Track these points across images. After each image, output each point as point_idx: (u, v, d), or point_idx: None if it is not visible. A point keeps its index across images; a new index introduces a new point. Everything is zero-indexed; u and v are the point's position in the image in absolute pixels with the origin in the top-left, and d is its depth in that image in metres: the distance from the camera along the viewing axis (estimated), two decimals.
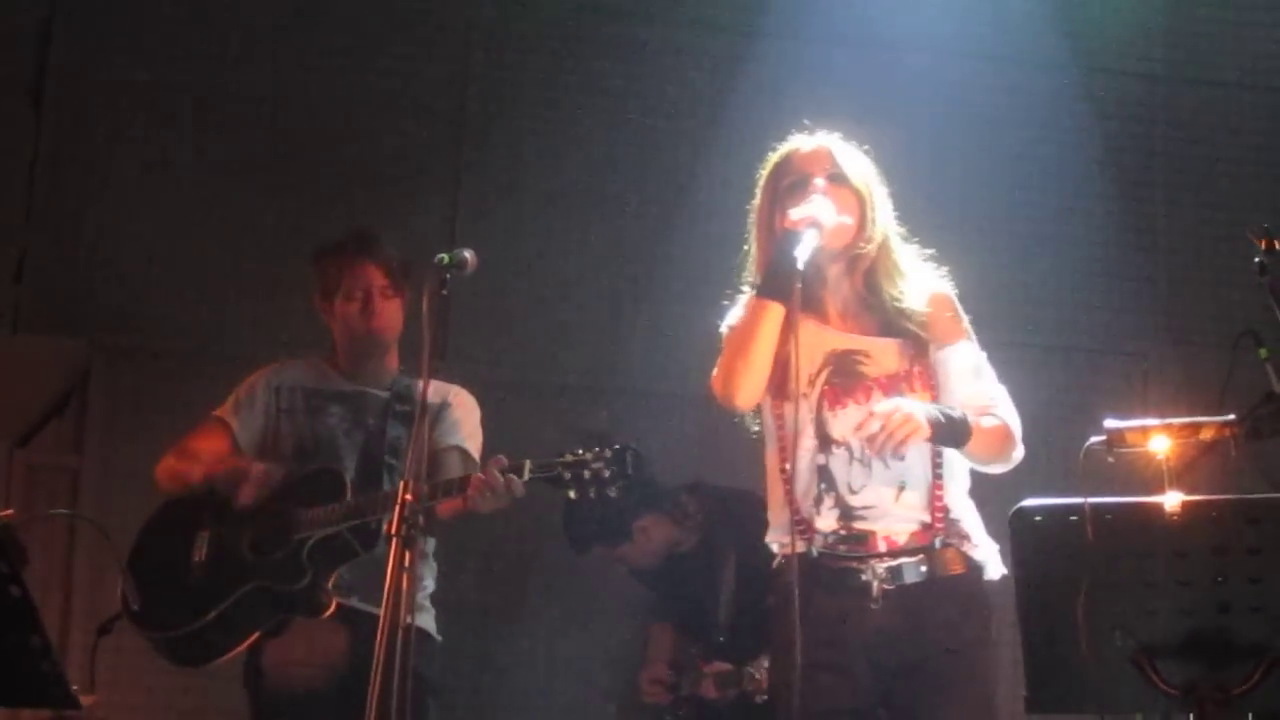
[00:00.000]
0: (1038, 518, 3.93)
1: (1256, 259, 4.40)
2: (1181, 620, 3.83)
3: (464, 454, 5.67)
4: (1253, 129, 8.63)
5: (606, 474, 5.03)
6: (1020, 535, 3.93)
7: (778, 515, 4.76)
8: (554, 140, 8.05)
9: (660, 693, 6.81)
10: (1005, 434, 4.71)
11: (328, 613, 5.42)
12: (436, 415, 5.58)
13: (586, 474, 5.04)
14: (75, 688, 4.89)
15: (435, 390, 5.09)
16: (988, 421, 4.66)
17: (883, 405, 4.52)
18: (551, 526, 6.75)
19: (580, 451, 5.07)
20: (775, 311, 4.59)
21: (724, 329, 4.84)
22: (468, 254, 4.85)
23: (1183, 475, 4.00)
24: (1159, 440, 4.06)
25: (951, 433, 4.57)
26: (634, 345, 7.90)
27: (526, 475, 5.13)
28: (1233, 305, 7.80)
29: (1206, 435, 4.09)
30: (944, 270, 4.90)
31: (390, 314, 5.71)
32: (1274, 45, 8.68)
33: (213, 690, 6.44)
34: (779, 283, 4.59)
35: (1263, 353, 4.34)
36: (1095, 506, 3.82)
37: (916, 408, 4.50)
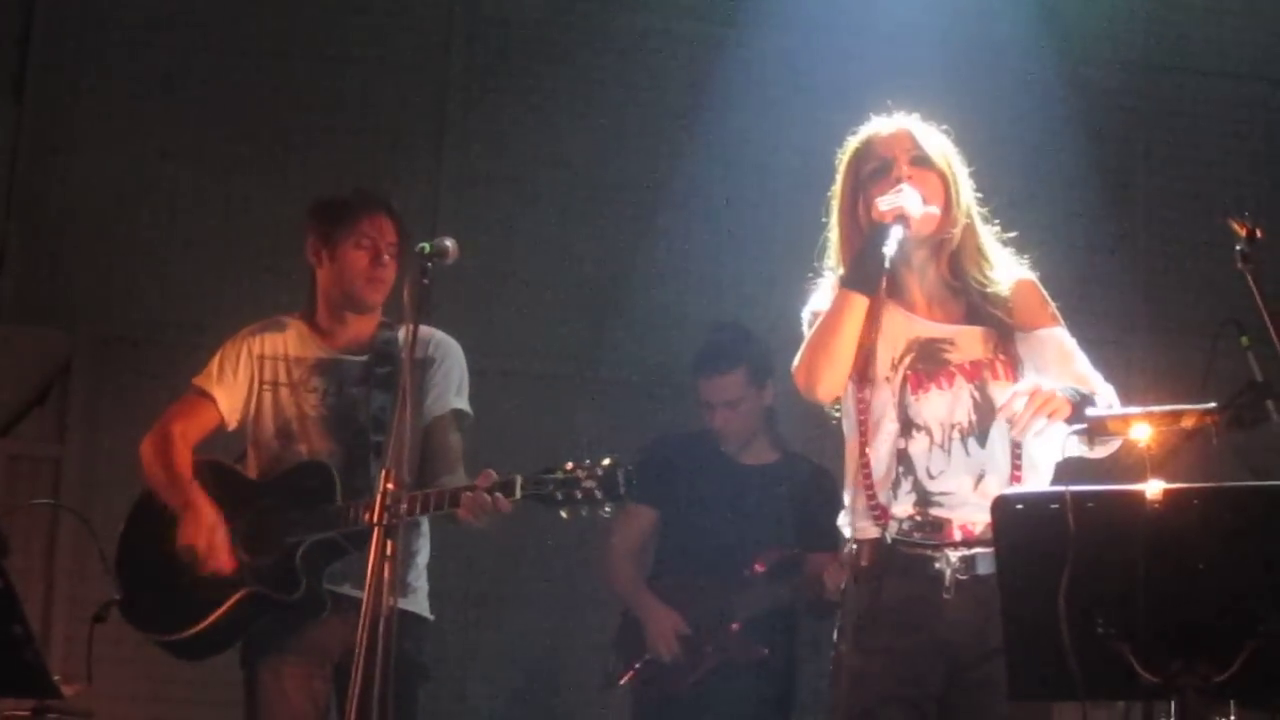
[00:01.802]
0: (1019, 506, 3.94)
1: (1238, 247, 4.40)
2: (1163, 608, 3.83)
3: (459, 416, 5.63)
4: (1234, 117, 8.65)
5: (598, 493, 4.98)
6: (1002, 523, 3.94)
7: (852, 501, 4.70)
8: (535, 128, 8.05)
9: (674, 648, 6.67)
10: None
11: (324, 614, 5.41)
12: (422, 375, 5.51)
13: (578, 493, 4.98)
14: (57, 678, 4.90)
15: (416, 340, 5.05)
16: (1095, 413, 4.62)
17: (1023, 384, 4.47)
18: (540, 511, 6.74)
19: (571, 467, 5.02)
20: (860, 304, 4.56)
21: (806, 314, 4.79)
22: (449, 243, 4.85)
23: (1164, 463, 4.00)
24: (1140, 428, 4.06)
25: (1084, 411, 4.46)
26: (616, 334, 7.90)
27: (518, 493, 5.08)
28: (1214, 294, 7.81)
29: (1188, 423, 4.09)
30: (1025, 258, 4.87)
31: (392, 271, 5.62)
32: (1255, 34, 8.69)
33: (202, 679, 6.43)
34: (866, 275, 4.55)
35: (1244, 341, 4.34)
36: (1076, 495, 3.82)
37: (1057, 388, 4.43)
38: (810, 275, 4.87)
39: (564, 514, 5.03)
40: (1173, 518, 3.77)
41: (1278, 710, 4.90)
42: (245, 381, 5.68)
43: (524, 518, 7.14)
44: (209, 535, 5.44)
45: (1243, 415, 4.15)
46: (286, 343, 5.72)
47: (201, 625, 5.46)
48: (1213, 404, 4.14)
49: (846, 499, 4.75)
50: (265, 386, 5.67)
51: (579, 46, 8.17)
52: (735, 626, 6.54)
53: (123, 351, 7.74)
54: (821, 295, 4.76)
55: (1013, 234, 4.89)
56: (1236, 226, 4.43)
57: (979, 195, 4.83)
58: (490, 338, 7.74)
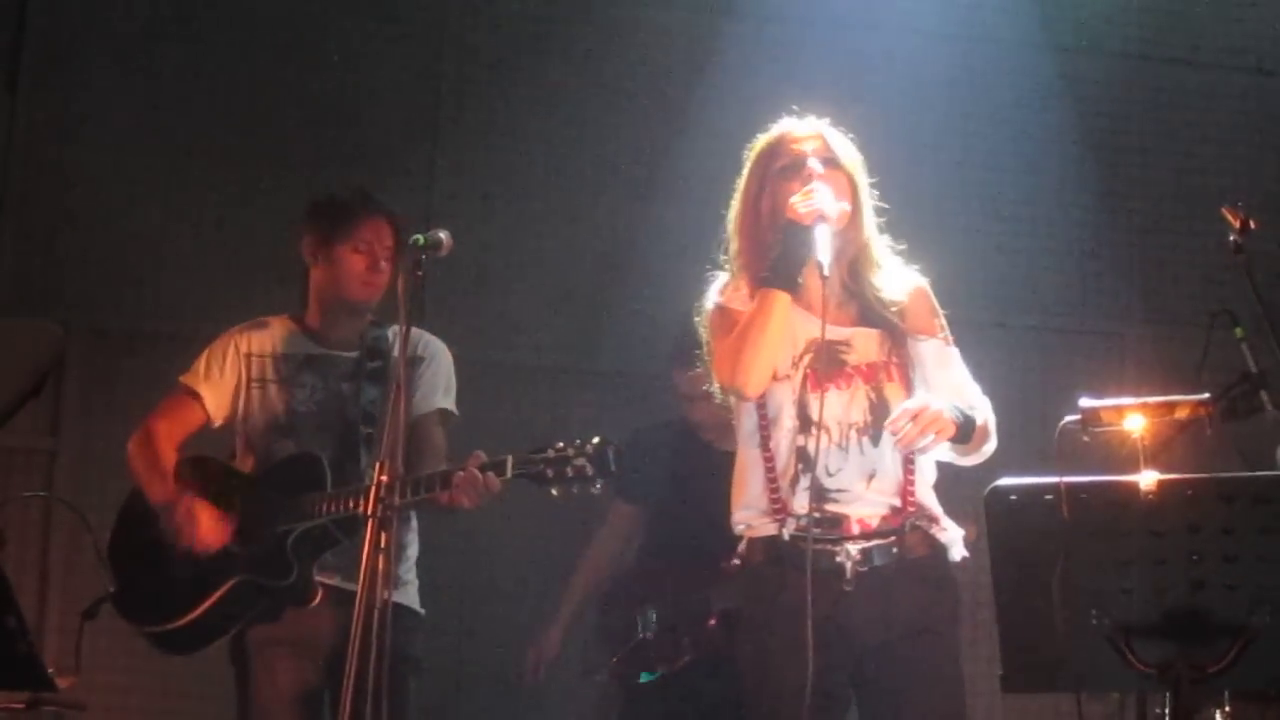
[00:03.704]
0: (1012, 497, 3.94)
1: (1231, 238, 4.42)
2: (1157, 599, 3.84)
3: (444, 415, 5.66)
4: (1228, 108, 8.64)
5: (589, 471, 5.00)
6: (995, 514, 3.94)
7: (748, 497, 4.78)
8: (529, 121, 8.04)
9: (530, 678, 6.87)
10: (985, 430, 4.77)
11: (314, 603, 5.42)
12: (411, 374, 5.49)
13: (569, 471, 5.00)
14: (51, 670, 4.90)
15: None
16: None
17: (912, 402, 4.59)
18: (532, 501, 6.74)
19: (561, 446, 5.04)
20: (784, 301, 4.64)
21: (709, 308, 4.86)
22: (443, 235, 4.85)
23: (1158, 454, 4.01)
24: (1134, 419, 4.07)
25: (967, 427, 4.64)
26: (612, 326, 7.90)
27: (509, 472, 5.10)
28: (1208, 284, 7.82)
29: (1182, 414, 4.10)
30: (916, 265, 4.93)
31: (387, 276, 5.64)
32: (1249, 24, 8.68)
33: (194, 672, 6.42)
34: (786, 272, 4.64)
35: (1238, 332, 4.36)
36: (1070, 485, 3.83)
37: (943, 406, 4.55)
38: (709, 268, 4.92)
39: (555, 492, 5.05)
40: (1167, 508, 3.78)
41: (1271, 700, 4.92)
42: (232, 379, 5.70)
43: (517, 510, 7.17)
44: (189, 518, 5.46)
45: (1237, 406, 4.17)
46: (274, 340, 5.73)
47: (193, 614, 5.47)
48: (1207, 395, 4.15)
49: (735, 496, 4.84)
50: (254, 384, 5.69)
51: (572, 38, 8.15)
52: (712, 621, 6.54)
53: (117, 345, 7.74)
54: (719, 289, 4.85)
55: (901, 246, 4.93)
56: (1230, 217, 4.44)
57: (876, 200, 4.87)
58: (483, 330, 7.74)
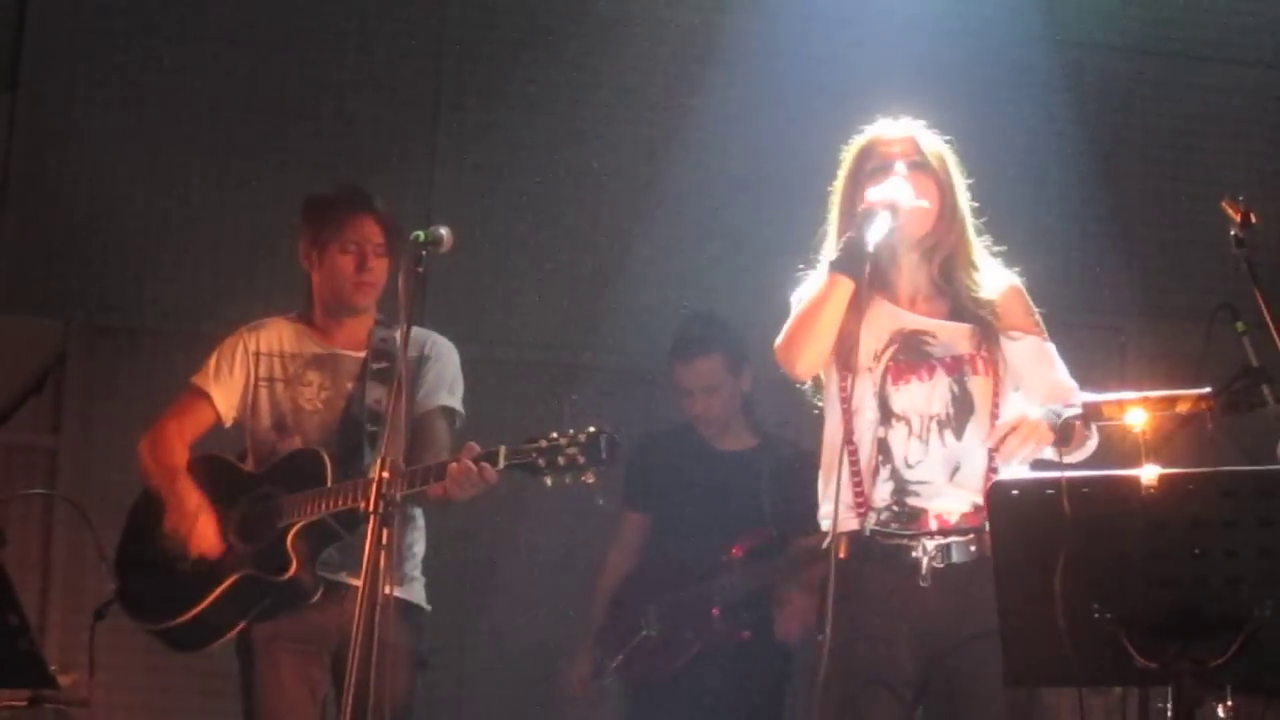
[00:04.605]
0: (1014, 491, 3.95)
1: (1232, 232, 4.41)
2: (1158, 593, 3.84)
3: (448, 413, 5.67)
4: (1228, 102, 8.63)
5: (581, 460, 5.01)
6: (997, 509, 3.95)
7: (832, 490, 4.73)
8: (529, 116, 8.03)
9: (577, 690, 6.85)
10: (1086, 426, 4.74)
11: (315, 597, 5.43)
12: (416, 371, 5.57)
13: (561, 460, 5.02)
14: (53, 668, 4.91)
15: (412, 341, 5.14)
16: (1072, 414, 4.70)
17: (1008, 415, 4.60)
18: (533, 496, 6.75)
19: (554, 436, 5.06)
20: (844, 286, 4.64)
21: (793, 299, 4.86)
22: (444, 231, 4.86)
23: (1159, 448, 4.00)
24: (1135, 413, 4.07)
25: (1065, 436, 4.57)
26: (609, 322, 7.90)
27: (502, 463, 5.11)
28: (1209, 278, 7.79)
29: (1183, 408, 4.10)
30: (1018, 268, 4.97)
31: (380, 273, 5.68)
32: (1249, 18, 8.67)
33: (199, 668, 6.43)
34: (852, 259, 4.63)
35: (1239, 326, 4.35)
36: (1072, 480, 3.84)
37: (1039, 415, 4.53)
38: (802, 267, 4.93)
39: (549, 482, 5.06)
40: (1168, 503, 3.78)
41: (1273, 695, 4.91)
42: (241, 378, 5.73)
43: (520, 507, 7.18)
44: (192, 520, 5.49)
45: (1238, 400, 4.16)
46: (282, 339, 5.77)
47: (195, 611, 5.50)
48: (1208, 389, 4.14)
49: (823, 488, 4.83)
50: (261, 383, 5.73)
51: (571, 35, 8.15)
52: (715, 612, 6.56)
53: (118, 342, 7.74)
54: (810, 283, 4.83)
55: (1002, 248, 4.97)
56: (1232, 211, 4.43)
57: (975, 205, 4.91)
58: (483, 326, 7.75)
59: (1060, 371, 4.84)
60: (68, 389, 7.70)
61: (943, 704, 4.73)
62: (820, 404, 4.88)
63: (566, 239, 8.02)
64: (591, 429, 5.05)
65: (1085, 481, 3.85)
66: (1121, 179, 8.50)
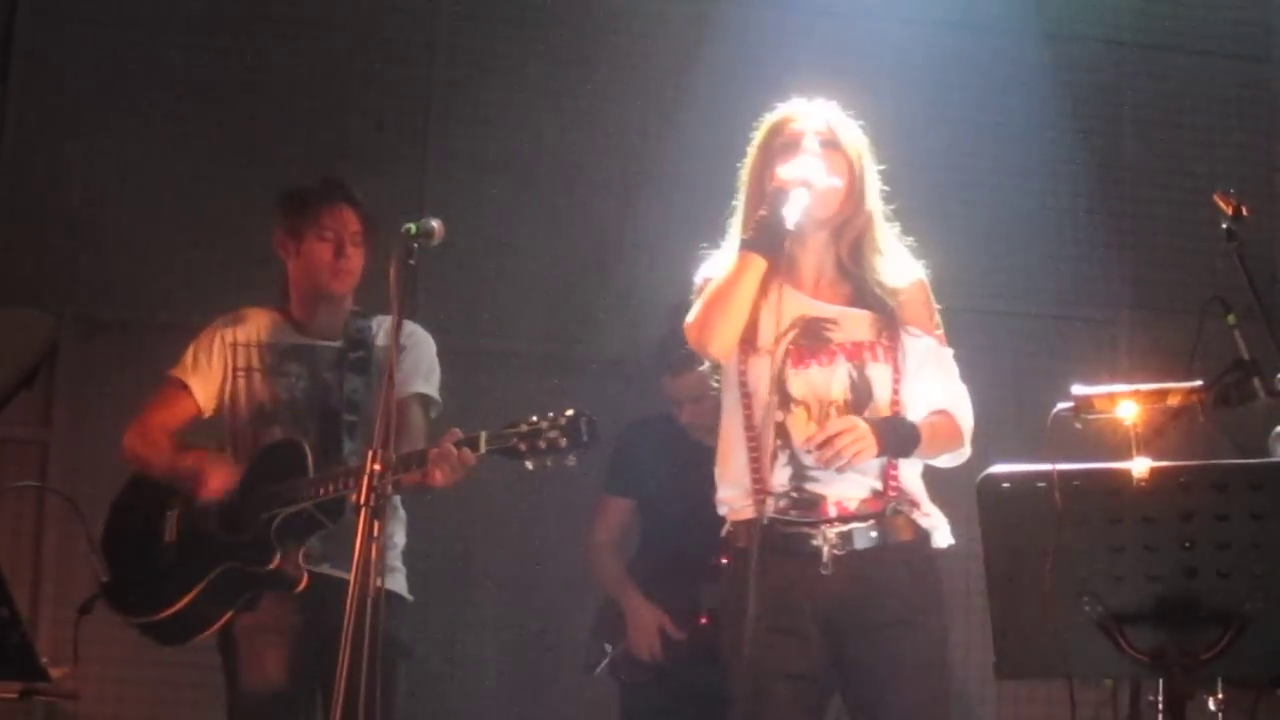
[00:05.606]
0: (1005, 484, 3.95)
1: (1224, 225, 4.41)
2: (1150, 586, 3.84)
3: (423, 400, 5.68)
4: (1221, 95, 8.64)
5: (562, 442, 5.02)
6: (987, 502, 3.95)
7: (731, 475, 4.77)
8: (522, 108, 8.03)
9: (655, 649, 6.61)
10: (953, 431, 4.77)
11: (300, 587, 5.44)
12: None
13: (542, 443, 5.02)
14: (44, 660, 4.90)
15: (387, 330, 5.14)
16: (938, 420, 4.74)
17: (837, 422, 4.57)
18: (523, 485, 6.75)
19: (535, 419, 5.06)
20: (758, 265, 4.63)
21: (699, 279, 4.85)
22: (435, 223, 4.86)
23: (1151, 441, 4.01)
24: (1127, 406, 4.07)
25: (901, 444, 4.62)
26: (601, 314, 7.90)
27: (483, 448, 5.12)
28: (1201, 271, 7.81)
29: (1174, 401, 4.11)
30: (922, 261, 4.92)
31: (357, 261, 5.70)
32: (1242, 11, 8.68)
33: (187, 661, 6.43)
34: (767, 238, 4.63)
35: (1230, 319, 4.35)
36: (1063, 473, 3.84)
37: (868, 425, 4.55)
38: (705, 245, 4.93)
39: (530, 465, 5.07)
40: (1160, 496, 3.78)
41: (1264, 688, 4.92)
42: (219, 369, 5.74)
43: (509, 497, 7.18)
44: (205, 466, 5.53)
45: (1229, 393, 4.16)
46: (259, 330, 5.77)
47: (180, 604, 5.50)
48: (1199, 382, 4.15)
49: (719, 473, 4.83)
50: (239, 373, 5.73)
51: (563, 28, 8.14)
52: (704, 620, 6.54)
53: (109, 335, 7.73)
54: (718, 261, 4.82)
55: (909, 240, 4.93)
56: (1223, 204, 4.43)
57: (885, 189, 4.89)
58: (475, 318, 7.75)
59: (941, 381, 4.81)
60: (59, 382, 7.68)
61: (857, 693, 4.72)
62: (717, 383, 4.88)
63: (557, 232, 8.01)
64: (570, 412, 5.04)
65: (1077, 474, 3.85)
66: (1113, 172, 8.51)
